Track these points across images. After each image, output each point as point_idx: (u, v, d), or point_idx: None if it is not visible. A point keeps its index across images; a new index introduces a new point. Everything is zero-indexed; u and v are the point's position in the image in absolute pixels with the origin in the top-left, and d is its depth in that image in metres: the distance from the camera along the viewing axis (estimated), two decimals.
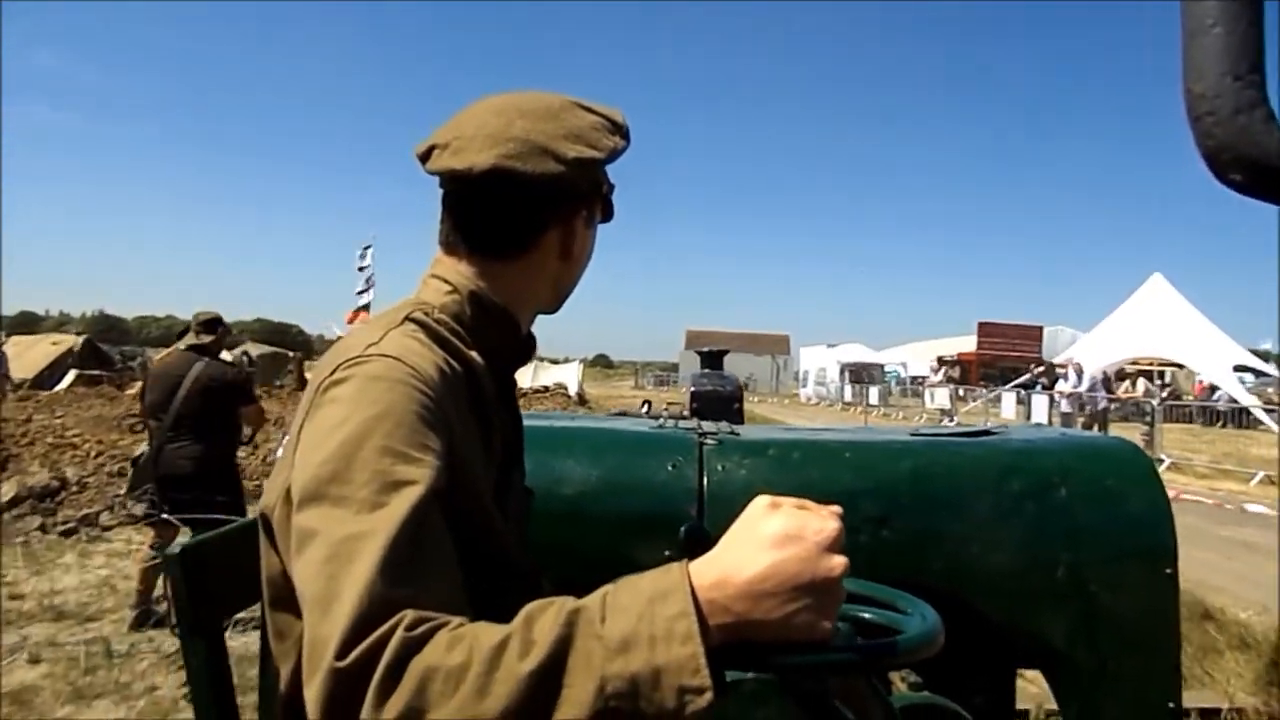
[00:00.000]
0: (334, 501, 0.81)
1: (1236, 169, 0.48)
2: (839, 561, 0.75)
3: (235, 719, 1.11)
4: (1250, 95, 0.48)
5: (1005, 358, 37.02)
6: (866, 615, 0.98)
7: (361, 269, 22.84)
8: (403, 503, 0.80)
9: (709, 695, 0.67)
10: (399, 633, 0.69)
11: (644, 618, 0.70)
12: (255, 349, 29.18)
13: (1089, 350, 23.06)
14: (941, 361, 39.77)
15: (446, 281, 1.10)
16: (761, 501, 0.79)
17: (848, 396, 35.28)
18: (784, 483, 1.62)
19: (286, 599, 0.99)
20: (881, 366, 41.47)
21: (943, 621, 0.94)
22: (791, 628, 0.73)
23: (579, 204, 1.13)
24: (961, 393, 28.53)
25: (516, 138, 1.04)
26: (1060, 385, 18.44)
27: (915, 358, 43.33)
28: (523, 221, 1.09)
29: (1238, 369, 22.26)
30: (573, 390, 24.92)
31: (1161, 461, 14.31)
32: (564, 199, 1.11)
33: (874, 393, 32.82)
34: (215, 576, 1.12)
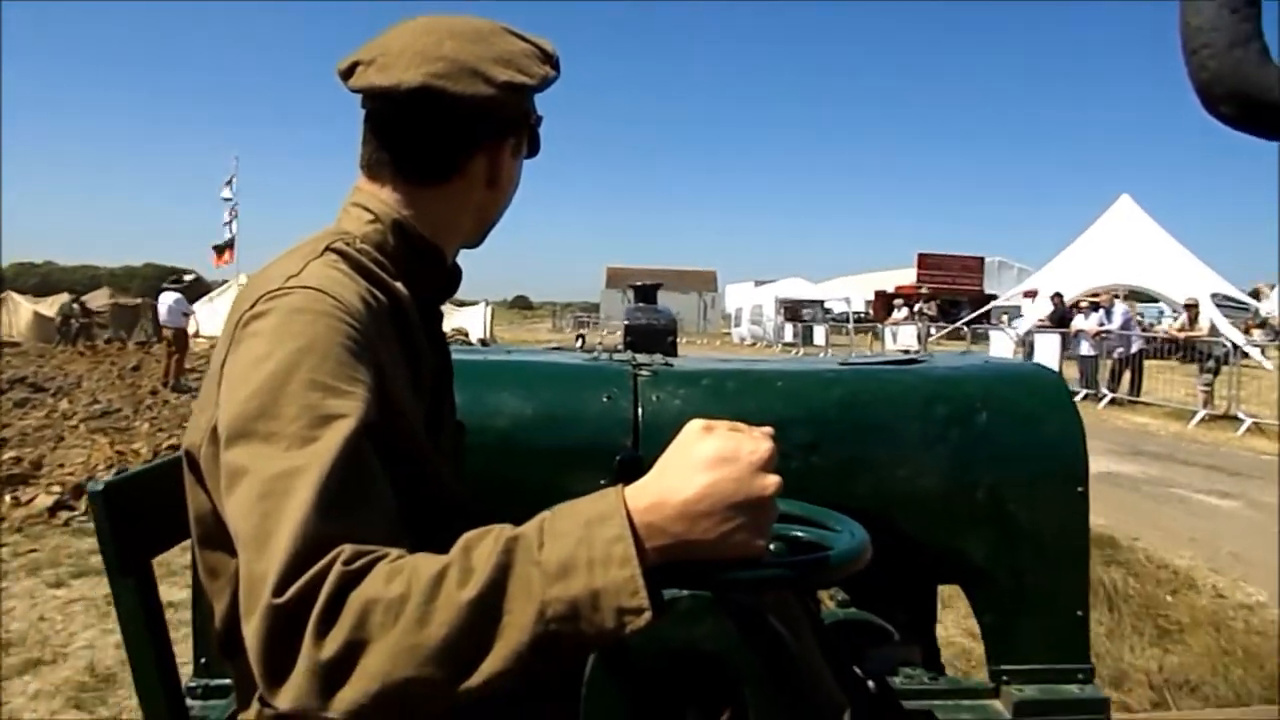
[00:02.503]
0: (263, 438, 0.79)
1: (1229, 103, 0.49)
2: (772, 480, 0.77)
3: (169, 657, 1.10)
4: (1246, 29, 0.48)
5: (946, 291, 34.40)
6: (799, 534, 1.01)
7: (225, 200, 20.55)
8: (334, 436, 0.79)
9: (647, 615, 0.69)
10: (337, 567, 0.69)
11: (582, 542, 0.71)
12: (100, 299, 25.42)
13: (1053, 278, 20.10)
14: (881, 296, 36.58)
15: (368, 210, 1.07)
16: (695, 425, 0.80)
17: (788, 336, 31.33)
18: (718, 412, 1.62)
19: (216, 537, 0.97)
20: (821, 303, 36.44)
21: (870, 539, 0.97)
22: (727, 546, 0.75)
23: (507, 131, 1.11)
24: (934, 332, 24.55)
25: (446, 57, 1.01)
26: (1080, 321, 15.43)
27: (854, 292, 38.42)
28: (449, 145, 1.07)
29: (1217, 300, 18.21)
30: (476, 336, 22.25)
31: (1240, 422, 11.26)
32: (492, 124, 1.08)
33: (819, 332, 29.39)
34: (142, 514, 1.10)
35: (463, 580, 0.69)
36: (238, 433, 0.81)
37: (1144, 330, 16.60)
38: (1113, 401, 13.97)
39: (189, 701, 1.47)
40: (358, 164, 1.11)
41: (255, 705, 1.00)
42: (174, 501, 1.05)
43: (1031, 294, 21.62)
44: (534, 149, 1.18)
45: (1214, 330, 14.79)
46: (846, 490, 1.63)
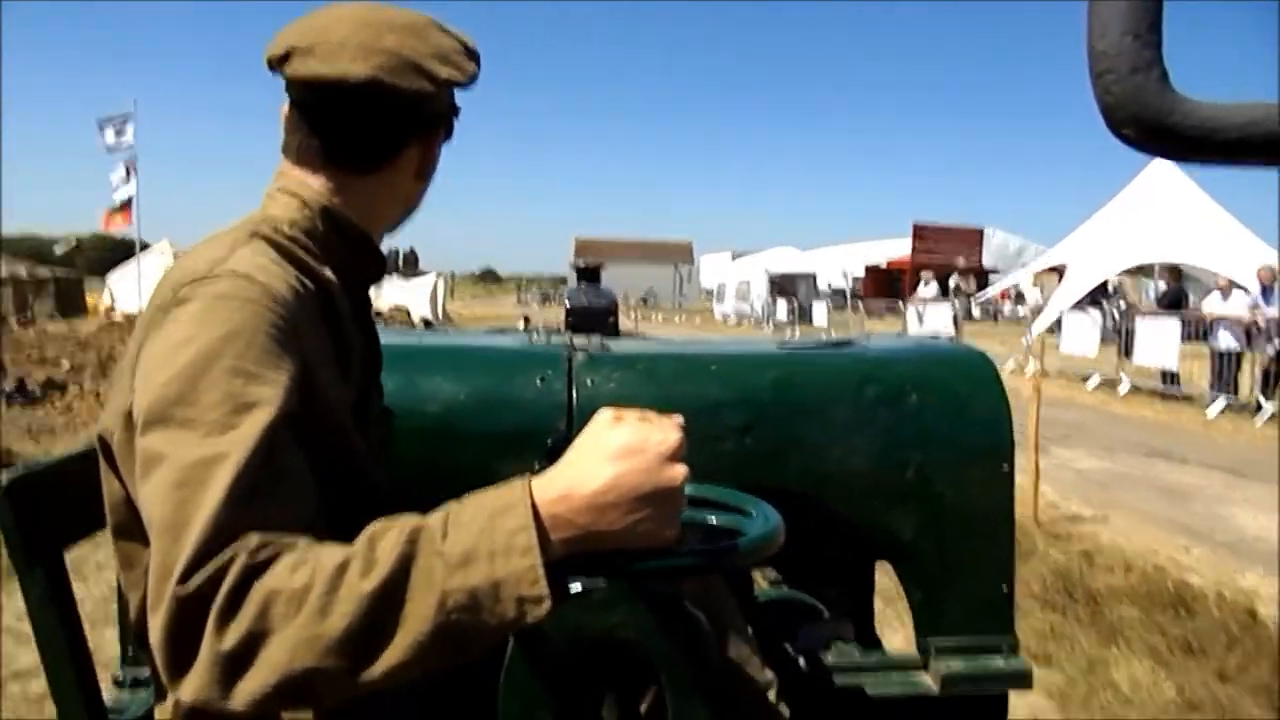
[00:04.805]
0: (181, 424, 0.79)
1: (1130, 126, 0.51)
2: (679, 471, 0.78)
3: (84, 651, 1.08)
4: (1148, 55, 0.50)
5: (943, 265, 30.05)
6: (714, 520, 1.02)
7: (116, 149, 16.25)
8: (254, 425, 0.78)
9: (547, 604, 0.70)
10: (241, 557, 0.69)
11: (484, 533, 0.72)
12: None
13: (1078, 251, 16.86)
14: (873, 272, 32.95)
15: (296, 196, 1.06)
16: (605, 415, 0.81)
17: (780, 315, 27.12)
18: (652, 395, 1.65)
19: (131, 526, 0.96)
20: (813, 276, 33.09)
21: (794, 520, 0.99)
22: (635, 536, 0.76)
23: (437, 124, 1.13)
24: (976, 312, 21.22)
25: (390, 51, 1.01)
26: (1216, 304, 11.64)
27: (841, 265, 35.64)
28: (386, 137, 1.08)
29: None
30: (420, 315, 17.92)
31: None
32: (426, 118, 1.10)
33: (819, 310, 25.67)
34: (52, 505, 1.07)
35: (365, 571, 0.69)
36: (155, 418, 0.80)
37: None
38: (1272, 416, 10.10)
39: (116, 692, 1.45)
40: (281, 148, 1.10)
41: (172, 697, 0.99)
42: (87, 491, 1.03)
43: (1054, 271, 18.80)
44: (448, 137, 1.19)
45: None
46: (780, 471, 1.66)
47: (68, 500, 1.09)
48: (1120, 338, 12.83)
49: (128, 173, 16.56)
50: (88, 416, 8.66)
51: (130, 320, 18.43)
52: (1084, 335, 13.70)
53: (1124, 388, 12.34)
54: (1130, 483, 7.00)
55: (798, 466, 1.67)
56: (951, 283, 23.74)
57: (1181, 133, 0.50)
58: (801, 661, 1.58)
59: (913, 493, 1.68)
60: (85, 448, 1.19)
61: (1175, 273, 14.01)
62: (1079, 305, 14.89)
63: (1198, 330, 11.77)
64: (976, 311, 21.36)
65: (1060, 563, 4.62)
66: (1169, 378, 11.96)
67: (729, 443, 1.63)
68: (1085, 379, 12.96)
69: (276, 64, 1.05)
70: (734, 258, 39.99)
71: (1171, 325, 11.70)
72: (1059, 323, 15.22)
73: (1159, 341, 11.74)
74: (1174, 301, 13.24)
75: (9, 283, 21.13)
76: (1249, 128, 0.50)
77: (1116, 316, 13.61)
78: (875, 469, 1.69)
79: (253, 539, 0.71)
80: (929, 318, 18.23)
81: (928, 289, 20.48)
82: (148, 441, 0.80)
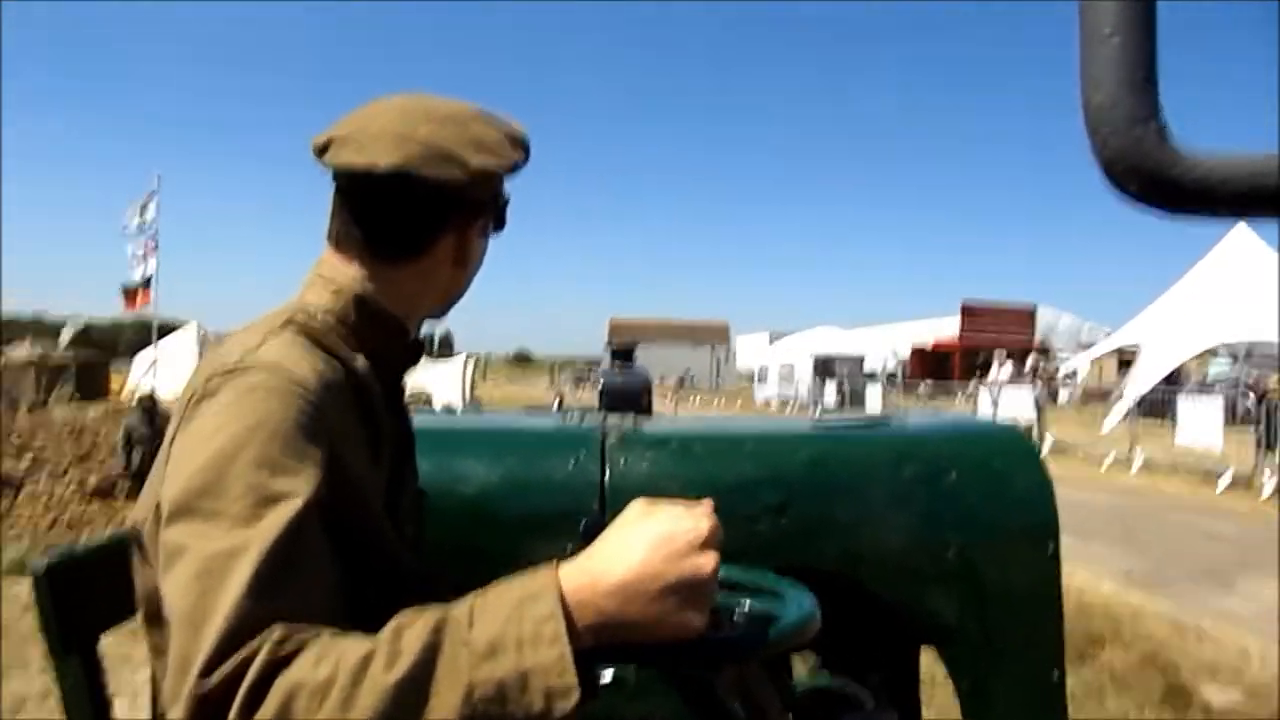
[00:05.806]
0: (205, 516, 0.79)
1: (1131, 180, 0.49)
2: (708, 561, 0.77)
3: None
4: (1146, 106, 0.48)
5: (994, 344, 27.33)
6: (748, 604, 1.00)
7: (140, 226, 15.85)
8: (278, 517, 0.78)
9: (576, 695, 0.68)
10: (265, 650, 0.69)
11: (511, 621, 0.71)
12: (21, 352, 19.86)
13: (1155, 329, 15.20)
14: (920, 354, 31.29)
15: (331, 282, 1.08)
16: (637, 504, 0.81)
17: (829, 399, 24.82)
18: (685, 475, 1.64)
19: (162, 615, 0.96)
20: (860, 359, 30.13)
21: (833, 603, 0.96)
22: (661, 626, 0.75)
23: (477, 213, 1.13)
24: (1065, 395, 18.82)
25: (422, 141, 1.03)
26: None
27: (883, 345, 33.62)
28: (420, 226, 1.09)
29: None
30: (443, 400, 15.74)
31: None
32: (463, 206, 1.11)
33: (873, 394, 22.88)
34: (87, 591, 1.08)
35: (390, 663, 0.68)
36: (180, 509, 0.81)
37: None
38: None
39: None
40: (325, 235, 1.12)
41: None
42: (123, 578, 1.04)
43: (1119, 354, 17.81)
44: (500, 226, 1.20)
45: None
46: (816, 552, 1.62)
47: (102, 587, 1.09)
48: (1259, 428, 10.79)
49: (145, 251, 16.08)
50: (26, 526, 7.01)
51: None
52: (1207, 424, 11.34)
53: (1268, 488, 10.18)
54: None
55: (835, 547, 1.64)
56: (1030, 362, 21.26)
57: (1184, 187, 0.49)
58: None
59: (955, 574, 1.64)
60: (116, 535, 1.21)
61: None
62: (1153, 391, 13.66)
63: None
64: (1064, 396, 18.78)
65: None
66: None
67: (764, 523, 1.61)
68: (1213, 476, 10.81)
69: (319, 153, 1.09)
70: (771, 339, 39.38)
71: None
72: (1148, 408, 13.66)
73: None
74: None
75: (32, 366, 19.68)
76: (1252, 180, 0.49)
77: (1252, 403, 11.50)
78: (915, 549, 1.65)
79: (276, 631, 0.70)
80: (1005, 402, 15.87)
81: (1003, 370, 18.35)
82: (171, 533, 0.80)
